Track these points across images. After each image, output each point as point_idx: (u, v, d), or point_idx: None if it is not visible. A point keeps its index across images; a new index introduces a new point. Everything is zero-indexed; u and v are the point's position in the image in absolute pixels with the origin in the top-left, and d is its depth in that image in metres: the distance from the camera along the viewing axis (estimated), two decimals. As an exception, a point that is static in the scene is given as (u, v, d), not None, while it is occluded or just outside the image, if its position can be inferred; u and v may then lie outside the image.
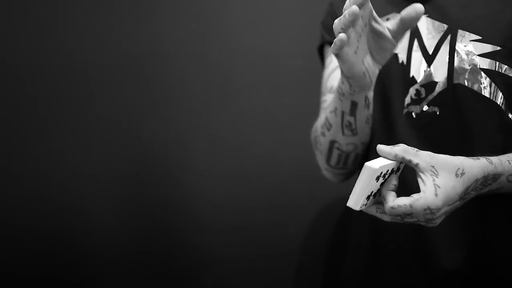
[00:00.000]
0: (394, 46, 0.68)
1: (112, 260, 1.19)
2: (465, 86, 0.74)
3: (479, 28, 0.74)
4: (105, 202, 1.19)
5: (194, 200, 1.22)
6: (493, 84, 0.73)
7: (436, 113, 0.76)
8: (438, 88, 0.76)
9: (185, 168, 1.21)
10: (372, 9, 0.64)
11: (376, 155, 0.61)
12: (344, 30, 0.60)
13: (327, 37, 0.90)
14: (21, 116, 1.16)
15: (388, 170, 0.60)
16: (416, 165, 0.60)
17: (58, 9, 1.16)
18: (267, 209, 1.23)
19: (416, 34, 0.78)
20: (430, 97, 0.76)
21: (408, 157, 0.60)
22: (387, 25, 0.66)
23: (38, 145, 1.16)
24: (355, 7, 0.58)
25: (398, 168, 0.63)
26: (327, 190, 1.13)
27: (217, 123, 1.22)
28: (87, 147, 1.18)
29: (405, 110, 0.78)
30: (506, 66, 0.73)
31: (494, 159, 0.66)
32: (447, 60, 0.75)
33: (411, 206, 0.58)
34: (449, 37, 0.76)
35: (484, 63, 0.73)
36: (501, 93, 0.73)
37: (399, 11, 0.75)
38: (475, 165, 0.63)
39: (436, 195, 0.58)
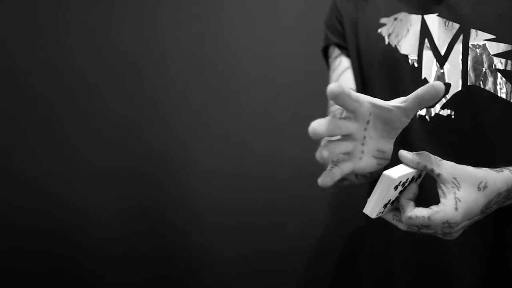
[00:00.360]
0: (406, 123, 0.59)
1: (112, 260, 1.19)
2: (480, 87, 0.71)
3: (492, 27, 0.71)
4: (105, 202, 1.19)
5: (194, 200, 1.22)
6: (509, 85, 0.70)
7: (451, 116, 0.73)
8: (452, 90, 0.73)
9: (185, 168, 1.21)
10: (372, 99, 0.56)
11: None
12: (327, 159, 0.52)
13: (332, 38, 0.88)
14: (21, 116, 1.15)
15: (408, 179, 0.58)
16: (438, 175, 0.57)
17: (58, 10, 1.16)
18: (266, 209, 1.23)
19: (426, 34, 0.75)
20: (444, 99, 0.73)
21: (430, 166, 0.57)
22: (397, 104, 0.57)
23: (38, 145, 1.16)
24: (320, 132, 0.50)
25: (419, 176, 0.60)
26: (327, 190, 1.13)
27: (217, 123, 1.22)
28: (87, 147, 1.18)
29: (418, 113, 0.75)
30: None
31: None
32: (460, 60, 0.72)
33: (429, 218, 0.56)
34: (461, 36, 0.73)
35: (500, 63, 0.70)
36: None
37: (408, 10, 0.72)
38: (498, 178, 0.60)
39: (456, 209, 0.56)
